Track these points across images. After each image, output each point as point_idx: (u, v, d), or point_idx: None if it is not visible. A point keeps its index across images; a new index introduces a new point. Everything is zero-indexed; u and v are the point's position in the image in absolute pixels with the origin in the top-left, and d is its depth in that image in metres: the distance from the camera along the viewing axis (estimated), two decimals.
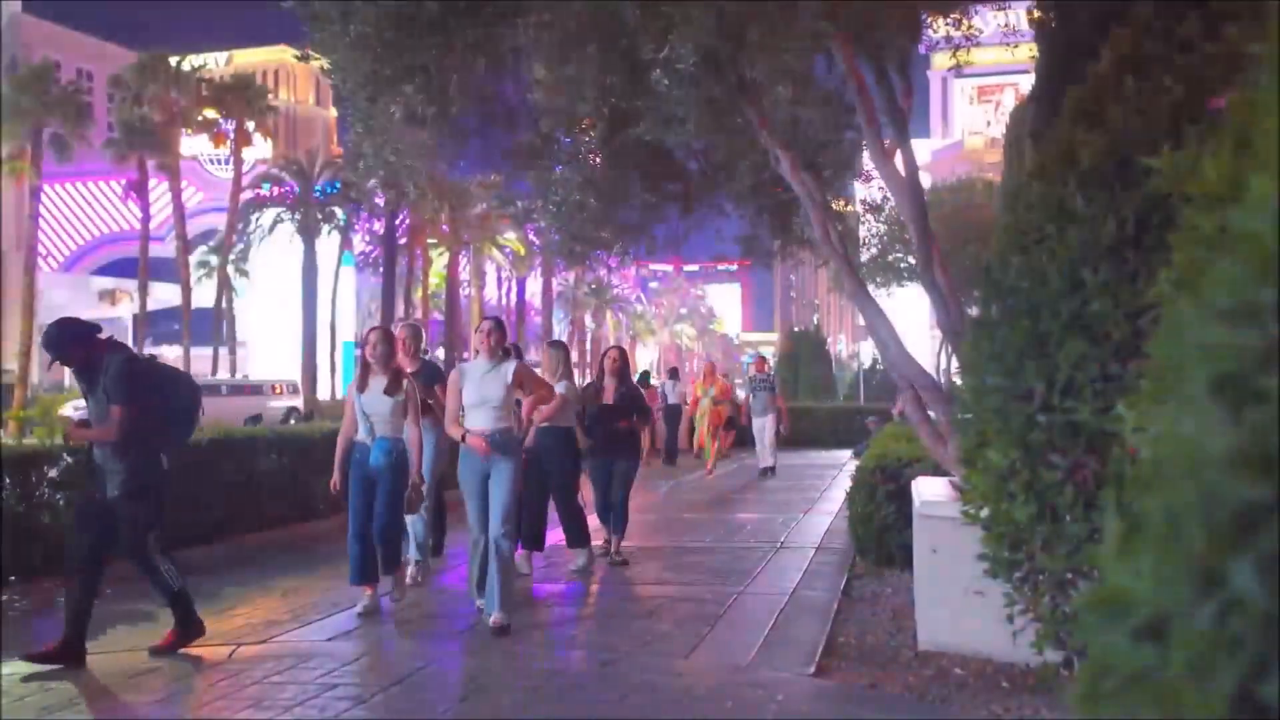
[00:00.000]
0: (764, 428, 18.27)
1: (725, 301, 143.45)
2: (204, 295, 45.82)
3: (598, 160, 9.95)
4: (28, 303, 38.12)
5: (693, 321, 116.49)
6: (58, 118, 37.94)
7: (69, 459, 9.35)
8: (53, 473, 9.17)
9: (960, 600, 5.51)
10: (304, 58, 6.05)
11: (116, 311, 58.78)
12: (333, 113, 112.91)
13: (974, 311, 7.26)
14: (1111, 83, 4.41)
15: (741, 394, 25.32)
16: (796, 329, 46.28)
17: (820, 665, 5.66)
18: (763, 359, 21.21)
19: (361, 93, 5.78)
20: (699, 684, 5.63)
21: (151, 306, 43.81)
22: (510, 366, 6.95)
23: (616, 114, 8.20)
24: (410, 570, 8.37)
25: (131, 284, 46.07)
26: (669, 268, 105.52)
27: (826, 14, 5.90)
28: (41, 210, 43.53)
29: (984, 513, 4.09)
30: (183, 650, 6.30)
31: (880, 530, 8.44)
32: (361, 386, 7.35)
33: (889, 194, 8.25)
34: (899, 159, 7.82)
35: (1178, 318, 1.21)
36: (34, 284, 38.81)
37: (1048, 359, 3.85)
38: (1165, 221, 3.61)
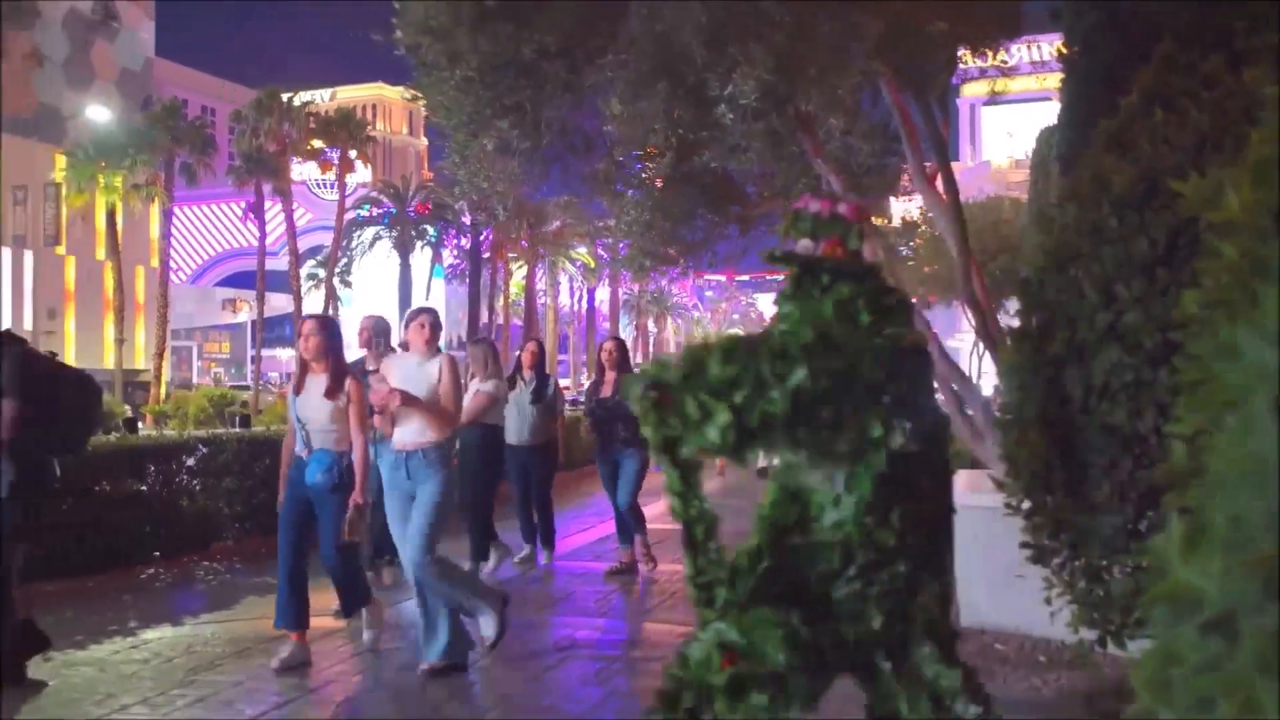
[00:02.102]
0: None
1: (773, 308, 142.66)
2: (313, 304, 46.50)
3: (664, 184, 9.98)
4: (161, 311, 38.96)
5: (744, 326, 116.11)
6: (186, 148, 38.72)
7: (204, 449, 9.60)
8: (190, 461, 9.41)
9: (999, 582, 5.47)
10: (413, 99, 6.10)
11: (238, 318, 59.89)
12: (424, 142, 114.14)
13: (1007, 320, 7.20)
14: (1140, 114, 4.35)
15: None
16: None
17: None
18: None
19: (463, 129, 5.87)
20: None
21: (267, 314, 44.54)
22: (437, 364, 5.44)
23: (683, 143, 8.23)
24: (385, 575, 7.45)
25: (250, 294, 46.90)
26: (723, 278, 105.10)
27: (876, 53, 5.87)
28: (173, 229, 44.47)
29: (1025, 505, 4.06)
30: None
31: None
32: (298, 388, 5.58)
33: (930, 213, 8.17)
34: (939, 182, 7.77)
35: (1231, 340, 1.22)
36: (166, 294, 39.66)
37: (1084, 366, 3.81)
38: (1192, 242, 3.56)
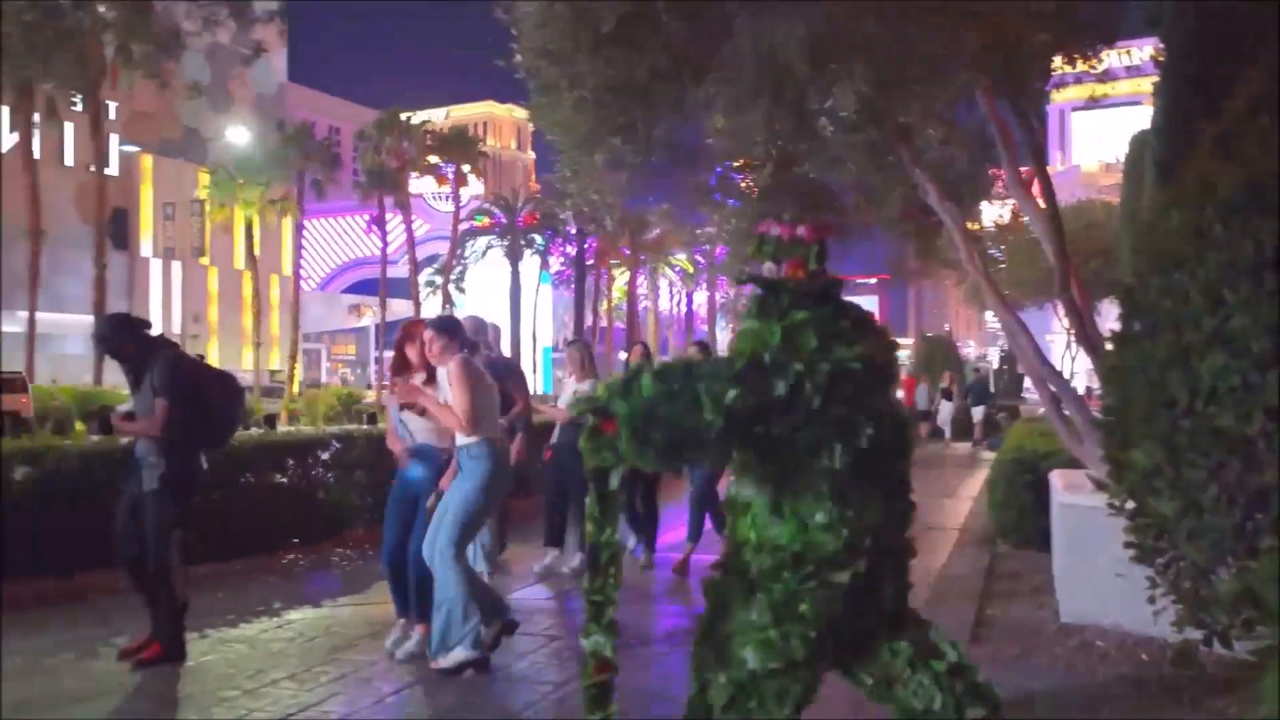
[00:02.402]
0: None
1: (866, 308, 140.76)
2: (431, 308, 47.47)
3: (763, 194, 9.97)
4: (294, 316, 40.23)
5: None
6: (316, 166, 39.95)
7: (337, 445, 9.89)
8: (325, 455, 9.68)
9: (1101, 580, 5.31)
10: (527, 118, 6.21)
11: (362, 322, 61.46)
12: (531, 156, 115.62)
13: (1105, 323, 6.99)
14: (1246, 118, 4.20)
15: None
16: (929, 334, 45.05)
17: (973, 635, 5.53)
18: None
19: (578, 146, 5.95)
20: None
21: (389, 318, 45.65)
22: (445, 371, 5.24)
23: (783, 155, 8.19)
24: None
25: (373, 300, 48.18)
26: None
27: (976, 65, 5.76)
28: (303, 240, 45.88)
29: (1129, 505, 3.94)
30: None
31: (1019, 515, 8.18)
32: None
33: (1026, 219, 7.97)
34: (1035, 188, 7.58)
35: None
36: (298, 301, 40.93)
37: (1189, 370, 3.68)
38: None
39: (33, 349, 27.68)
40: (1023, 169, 7.82)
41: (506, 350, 7.97)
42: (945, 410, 24.11)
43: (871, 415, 2.69)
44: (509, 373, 7.21)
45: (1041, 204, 7.32)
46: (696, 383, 2.57)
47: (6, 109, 32.35)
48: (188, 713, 4.56)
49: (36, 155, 27.86)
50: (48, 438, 8.03)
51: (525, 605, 6.74)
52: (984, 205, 15.42)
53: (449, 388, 5.15)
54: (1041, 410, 12.73)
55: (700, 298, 70.03)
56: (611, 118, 5.43)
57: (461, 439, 5.15)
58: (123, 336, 5.50)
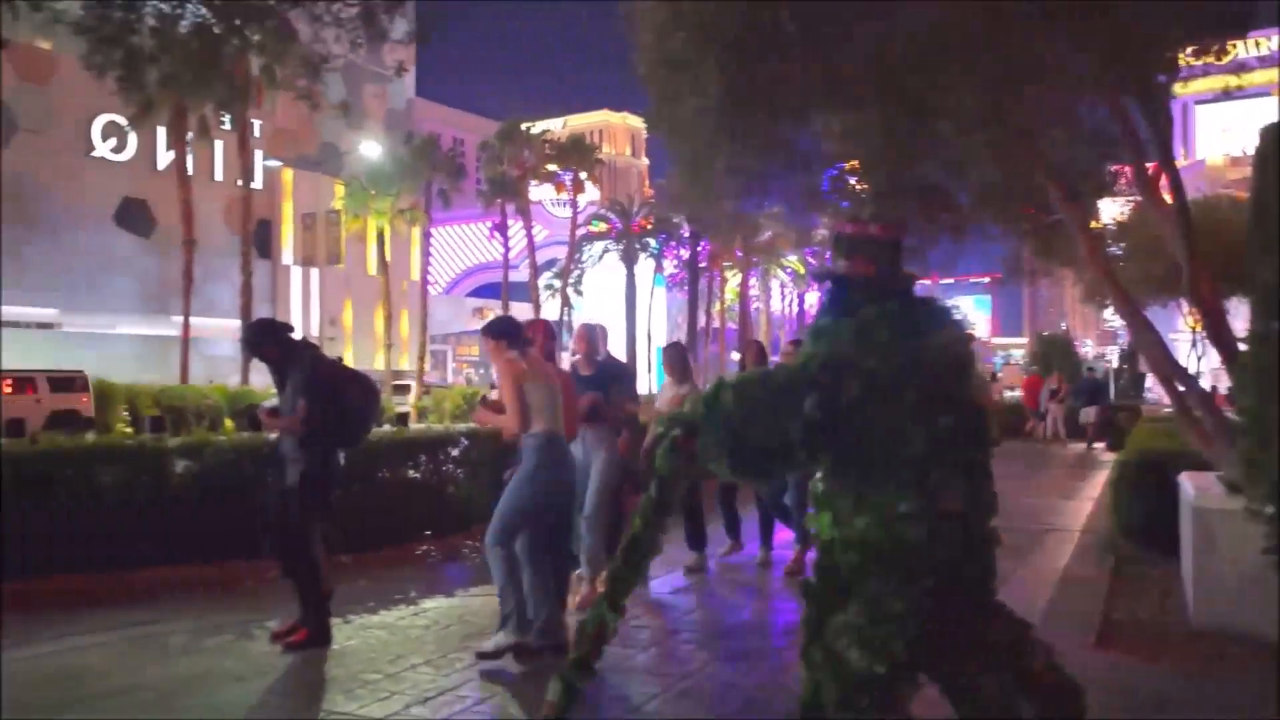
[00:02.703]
0: None
1: (976, 309, 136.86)
2: (550, 311, 48.18)
3: (878, 196, 9.79)
4: (421, 319, 41.33)
5: None
6: (442, 176, 40.91)
7: (466, 441, 10.12)
8: (455, 452, 9.92)
9: (1234, 585, 5.07)
10: (650, 127, 6.23)
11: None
12: (645, 162, 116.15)
13: (1234, 322, 6.65)
14: None
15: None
16: (1045, 334, 43.44)
17: (1099, 638, 5.34)
18: None
19: (698, 155, 5.95)
20: None
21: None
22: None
23: (899, 157, 8.04)
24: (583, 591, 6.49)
25: (495, 303, 48.99)
26: (928, 281, 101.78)
27: (1102, 62, 5.55)
28: (431, 247, 47.08)
29: (1268, 510, 3.74)
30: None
31: (1144, 517, 7.85)
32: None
33: (1154, 216, 7.64)
34: (1162, 186, 7.26)
35: None
36: (426, 305, 42.01)
37: None
38: None
39: (187, 351, 29.11)
40: (1148, 165, 7.51)
41: (621, 350, 7.97)
42: (1054, 410, 23.32)
43: (948, 404, 2.64)
44: (618, 375, 7.13)
45: (1169, 200, 7.01)
46: (775, 395, 2.57)
47: (163, 129, 34.09)
48: (334, 694, 4.73)
49: (190, 172, 29.28)
50: (204, 433, 8.46)
51: (645, 600, 6.79)
52: (1104, 202, 14.83)
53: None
54: (1165, 410, 12.17)
55: (811, 298, 69.24)
56: (731, 124, 5.42)
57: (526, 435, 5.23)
58: (267, 340, 5.69)
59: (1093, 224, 13.54)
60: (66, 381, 22.38)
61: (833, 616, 2.69)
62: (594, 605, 2.80)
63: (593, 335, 7.11)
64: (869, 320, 2.68)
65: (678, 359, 7.83)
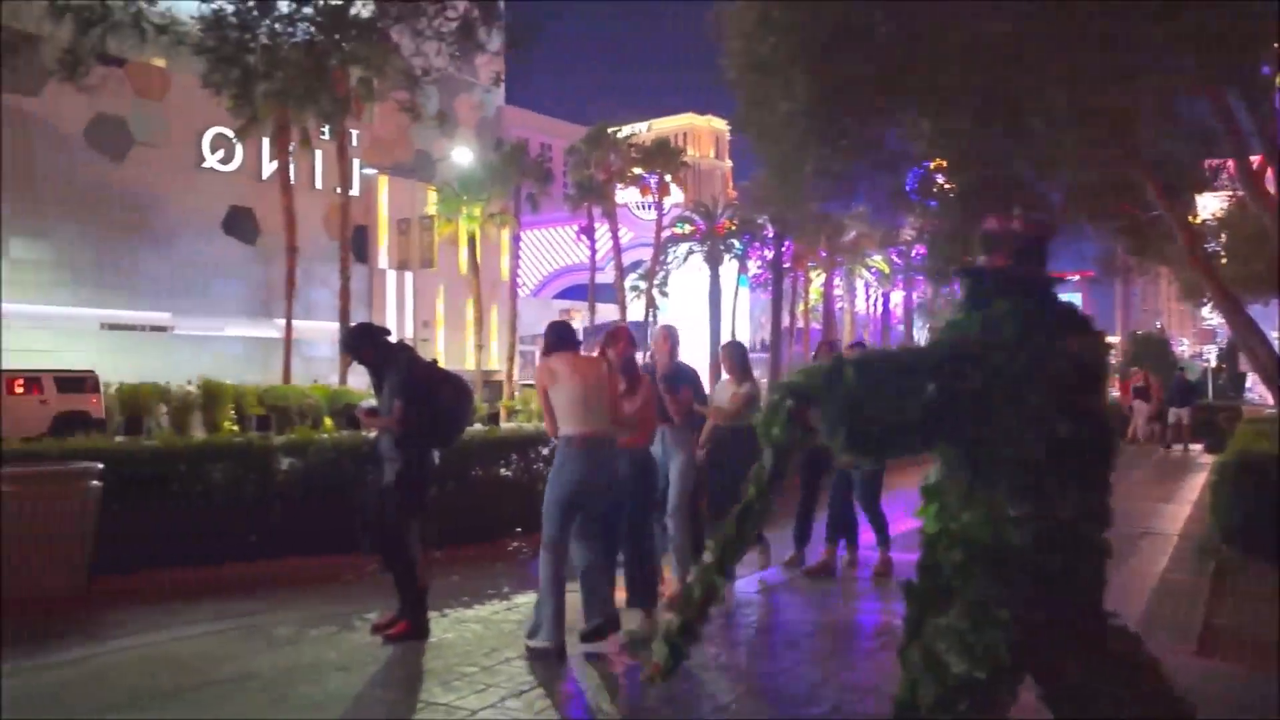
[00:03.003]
0: None
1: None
2: (635, 312, 48.34)
3: (969, 194, 9.58)
4: (511, 320, 41.89)
5: None
6: (530, 181, 41.39)
7: (556, 441, 10.16)
8: (545, 451, 10.02)
9: None
10: (738, 130, 6.18)
11: (572, 326, 63.15)
12: (728, 164, 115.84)
13: None
14: None
15: None
16: (1139, 332, 41.93)
17: (1199, 645, 5.13)
18: None
19: (787, 157, 5.90)
20: None
21: (597, 321, 46.78)
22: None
23: (989, 157, 7.85)
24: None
25: (582, 304, 49.38)
26: None
27: (1200, 54, 5.34)
28: (519, 250, 47.65)
29: None
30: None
31: (1245, 520, 7.52)
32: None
33: (1256, 210, 7.32)
34: (1267, 180, 6.95)
35: None
36: (515, 306, 42.55)
37: None
38: None
39: (289, 352, 29.99)
40: (1251, 159, 7.19)
41: (706, 351, 7.84)
42: (1139, 409, 22.26)
43: (1073, 411, 2.54)
44: (687, 378, 7.03)
45: (1273, 194, 6.71)
46: (898, 374, 2.51)
47: (267, 140, 35.18)
48: (432, 685, 4.81)
49: (292, 180, 30.19)
50: (307, 431, 8.70)
51: (736, 598, 6.75)
52: (1203, 197, 14.28)
53: None
54: (1268, 410, 11.67)
55: (896, 297, 68.13)
56: (821, 127, 5.35)
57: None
58: (365, 344, 5.80)
59: (1192, 220, 13.04)
60: (76, 382, 21.02)
61: (934, 617, 2.62)
62: (702, 569, 2.76)
63: (673, 337, 7.10)
64: (999, 314, 2.60)
65: (738, 357, 7.69)
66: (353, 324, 6.03)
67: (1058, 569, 2.52)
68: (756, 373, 7.70)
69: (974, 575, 2.56)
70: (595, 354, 5.83)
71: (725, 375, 7.55)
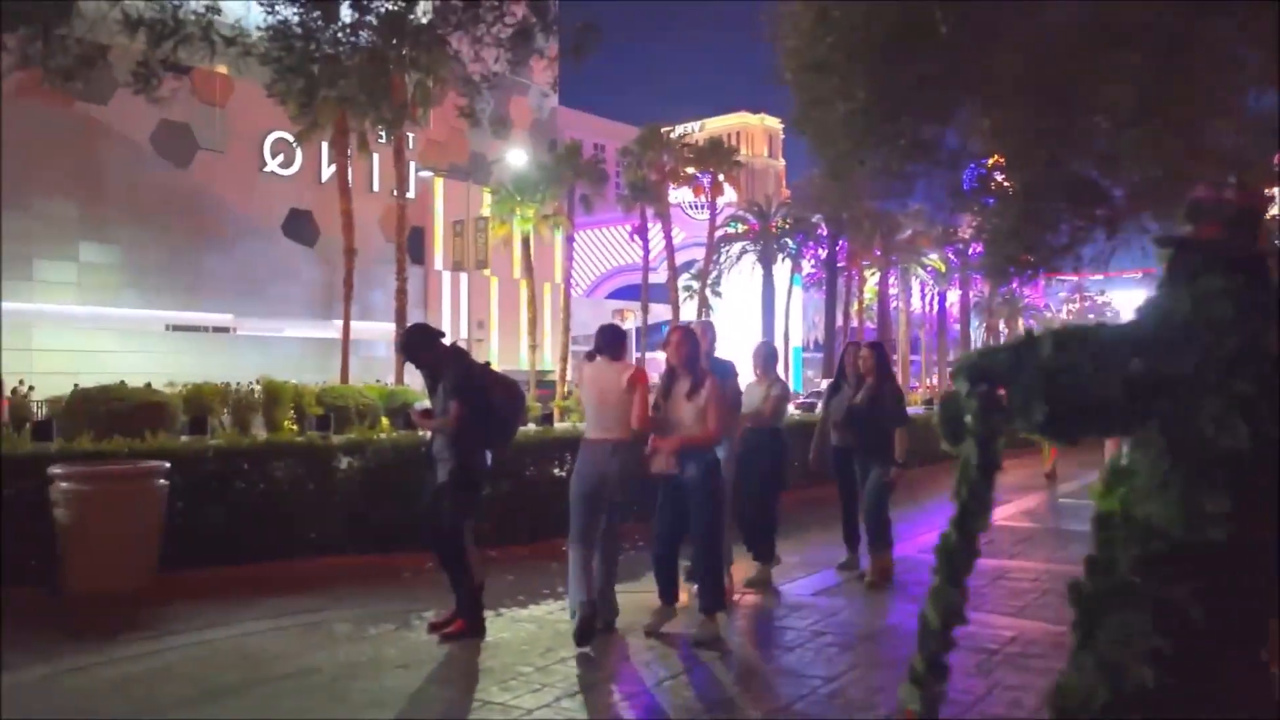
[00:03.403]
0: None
1: (1131, 307, 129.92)
2: (688, 312, 48.28)
3: (1028, 192, 9.42)
4: (564, 321, 42.09)
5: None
6: (584, 181, 41.55)
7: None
8: None
9: None
10: (796, 130, 6.14)
11: (625, 325, 63.33)
12: (781, 163, 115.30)
13: None
14: None
15: None
16: None
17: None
18: None
19: (844, 158, 5.86)
20: None
21: (650, 321, 46.81)
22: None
23: (1051, 153, 7.71)
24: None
25: (635, 304, 49.50)
26: (1075, 277, 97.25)
27: (1272, 49, 5.19)
28: (573, 250, 47.86)
29: None
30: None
31: None
32: (666, 392, 5.83)
33: None
34: None
35: None
36: (568, 307, 42.74)
37: None
38: None
39: (347, 352, 30.45)
40: None
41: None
42: None
43: None
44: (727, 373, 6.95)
45: None
46: (1097, 351, 2.31)
47: (325, 144, 35.75)
48: (488, 684, 4.85)
49: (350, 184, 30.64)
50: (364, 431, 8.82)
51: (790, 601, 6.72)
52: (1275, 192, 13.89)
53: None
54: None
55: (953, 296, 67.22)
56: (879, 126, 5.30)
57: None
58: (422, 346, 5.88)
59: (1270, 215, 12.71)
60: None
61: (1107, 618, 2.39)
62: (931, 594, 2.52)
63: (707, 330, 6.96)
64: (1210, 291, 2.36)
65: (769, 358, 7.59)
66: (410, 326, 6.12)
67: (1255, 575, 2.30)
68: (810, 372, 7.68)
69: (1156, 573, 2.34)
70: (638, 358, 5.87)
71: (753, 377, 7.44)
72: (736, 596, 6.75)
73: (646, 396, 5.69)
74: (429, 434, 6.01)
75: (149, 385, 22.36)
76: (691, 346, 5.84)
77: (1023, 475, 14.34)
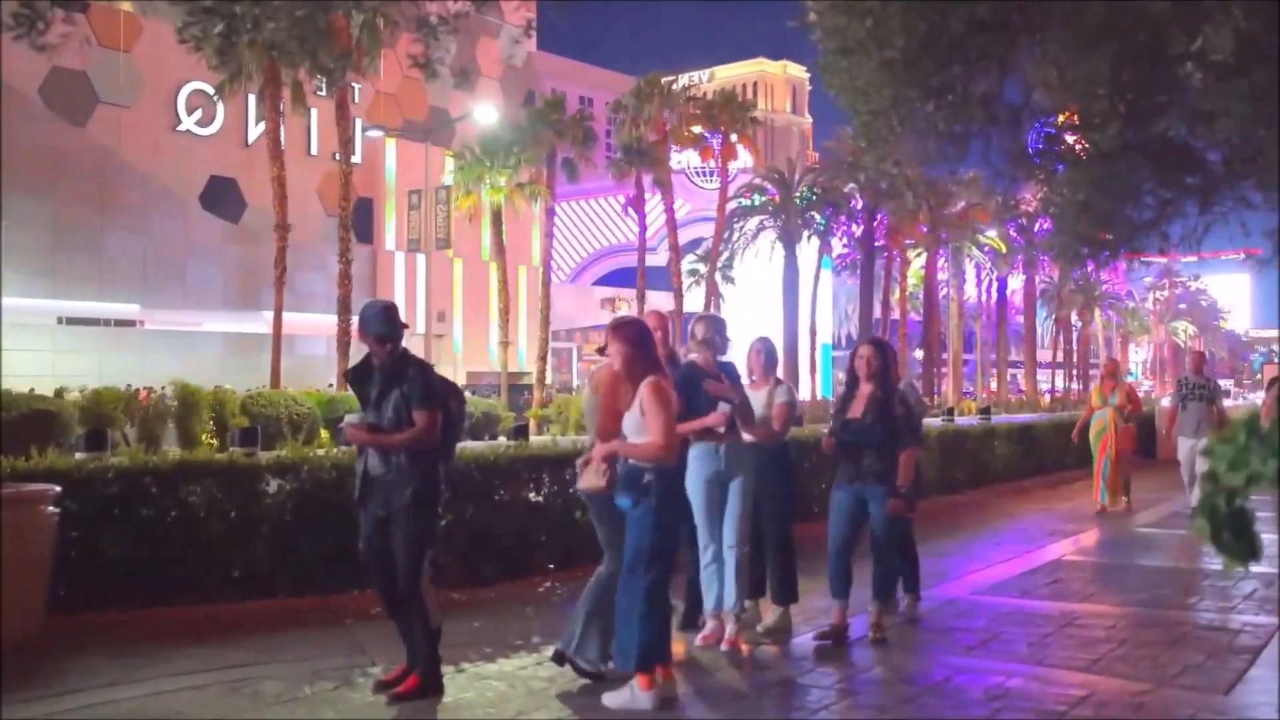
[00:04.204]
0: (1193, 454, 13.09)
1: (1231, 295, 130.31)
2: (694, 301, 48.35)
3: (1105, 158, 9.43)
4: (543, 312, 41.98)
5: (1193, 317, 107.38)
6: (568, 143, 41.52)
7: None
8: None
9: None
10: (825, 84, 6.12)
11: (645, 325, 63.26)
12: (808, 120, 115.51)
13: None
14: None
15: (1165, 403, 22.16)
16: None
17: None
18: (1202, 355, 14.97)
19: (883, 114, 5.86)
20: None
21: (649, 312, 46.84)
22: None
23: (1133, 110, 7.72)
24: (729, 628, 6.77)
25: (630, 292, 49.43)
26: (1164, 260, 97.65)
27: None
28: (553, 227, 47.85)
29: None
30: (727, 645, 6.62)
31: None
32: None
33: None
34: None
35: None
36: (548, 295, 42.68)
37: None
38: None
39: (278, 350, 30.40)
40: None
41: (779, 348, 7.65)
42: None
43: None
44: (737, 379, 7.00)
45: None
46: None
47: (253, 98, 35.82)
48: None
49: (283, 145, 30.63)
50: (299, 448, 8.82)
51: (813, 652, 6.73)
52: None
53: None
54: None
55: (1015, 282, 67.37)
56: (923, 79, 5.30)
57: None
58: (397, 329, 5.75)
59: None
60: None
61: None
62: None
63: (716, 329, 7.03)
64: None
65: (769, 355, 7.55)
66: (381, 301, 6.03)
67: None
68: (841, 373, 7.66)
69: None
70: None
71: (747, 380, 7.28)
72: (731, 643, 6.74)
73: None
74: (360, 449, 5.94)
75: (33, 391, 22.36)
76: (636, 338, 5.71)
77: (1084, 501, 14.37)
